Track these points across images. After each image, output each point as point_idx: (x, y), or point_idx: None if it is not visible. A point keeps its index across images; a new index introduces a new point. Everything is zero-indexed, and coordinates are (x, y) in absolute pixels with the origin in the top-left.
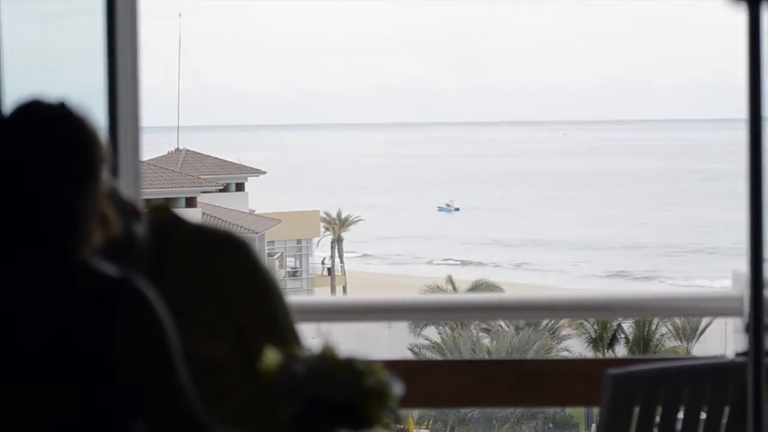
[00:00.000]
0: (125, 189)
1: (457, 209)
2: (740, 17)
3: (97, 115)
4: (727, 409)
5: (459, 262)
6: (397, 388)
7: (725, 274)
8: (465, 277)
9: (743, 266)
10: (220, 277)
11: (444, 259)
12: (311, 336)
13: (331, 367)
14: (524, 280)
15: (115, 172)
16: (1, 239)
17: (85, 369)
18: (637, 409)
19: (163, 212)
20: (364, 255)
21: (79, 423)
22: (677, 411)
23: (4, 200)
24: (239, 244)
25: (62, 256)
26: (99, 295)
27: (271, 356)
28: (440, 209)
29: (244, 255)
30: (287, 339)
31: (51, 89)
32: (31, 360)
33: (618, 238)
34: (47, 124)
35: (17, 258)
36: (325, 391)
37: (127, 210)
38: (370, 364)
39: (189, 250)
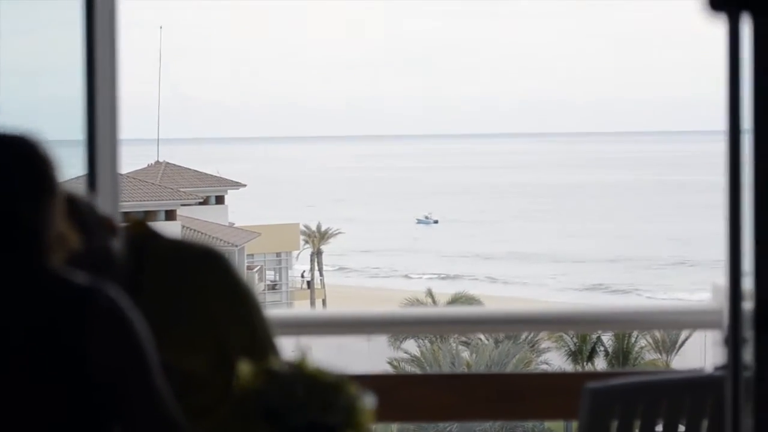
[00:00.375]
0: (103, 202)
1: (435, 222)
2: (719, 29)
3: (75, 127)
4: (705, 423)
5: (438, 275)
6: (369, 402)
7: (705, 287)
8: (445, 290)
9: (722, 279)
10: (198, 291)
11: (423, 273)
12: (290, 350)
13: (307, 389)
14: (503, 293)
15: (92, 185)
16: None
17: (57, 373)
18: (615, 423)
19: (139, 227)
20: (342, 268)
21: (55, 427)
22: (656, 425)
23: None
24: (217, 258)
25: (28, 267)
26: (69, 300)
27: (246, 371)
28: (419, 222)
29: (222, 269)
30: (266, 352)
31: (29, 100)
32: (4, 365)
33: (597, 251)
34: (3, 150)
35: None
36: (301, 415)
37: (103, 225)
38: (342, 379)
39: (166, 264)
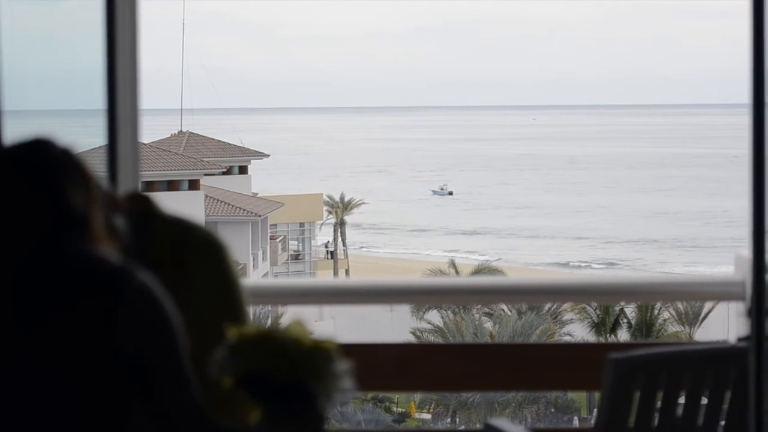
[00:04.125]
0: (123, 171)
1: (450, 193)
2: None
3: (96, 96)
4: (728, 394)
5: (456, 248)
6: (344, 369)
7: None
8: (467, 260)
9: (746, 251)
10: (191, 277)
11: (444, 243)
12: (314, 319)
13: (278, 353)
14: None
15: (113, 154)
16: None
17: (87, 351)
18: (638, 394)
19: (142, 202)
20: (364, 236)
21: (83, 406)
22: (678, 395)
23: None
24: (216, 247)
25: (65, 247)
26: (101, 279)
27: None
28: (434, 193)
29: (219, 259)
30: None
31: (50, 69)
32: (38, 342)
33: (619, 226)
34: (50, 150)
35: (25, 251)
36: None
37: (107, 201)
38: (321, 344)
39: (167, 243)
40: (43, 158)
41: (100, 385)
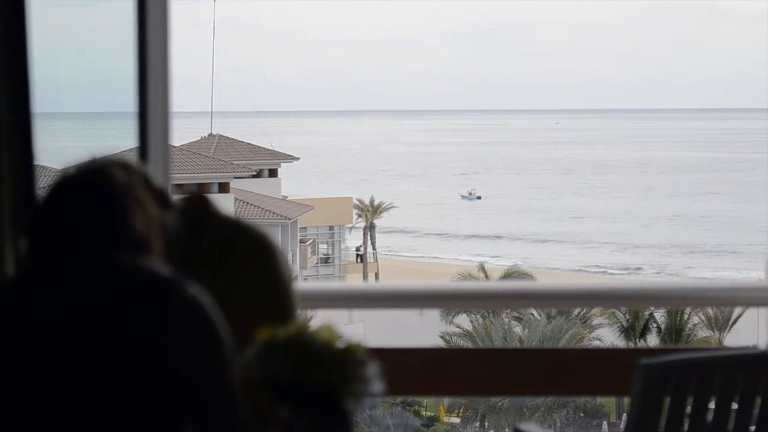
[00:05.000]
0: (154, 174)
1: (479, 198)
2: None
3: (127, 99)
4: (758, 400)
5: (484, 253)
6: (372, 372)
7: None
8: (495, 265)
9: None
10: (245, 278)
11: (471, 247)
12: (343, 323)
13: (305, 355)
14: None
15: (144, 157)
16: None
17: (135, 363)
18: (668, 399)
19: (200, 201)
20: (393, 239)
21: (130, 417)
22: (708, 401)
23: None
24: (271, 250)
25: (115, 259)
26: (151, 291)
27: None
28: (463, 198)
29: (273, 262)
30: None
31: (82, 72)
32: (84, 355)
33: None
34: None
35: (79, 262)
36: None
37: (158, 197)
38: (350, 347)
39: (221, 243)
40: (108, 185)
41: (148, 396)
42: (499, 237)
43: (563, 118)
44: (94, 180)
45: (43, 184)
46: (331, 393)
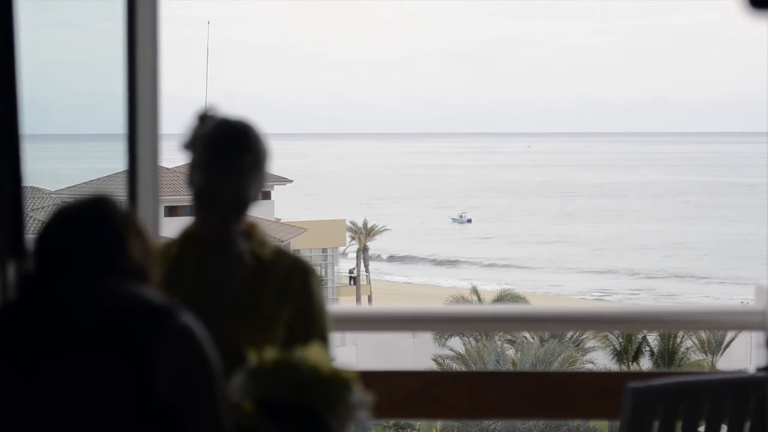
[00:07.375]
0: (144, 196)
1: (469, 221)
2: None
3: (116, 120)
4: (747, 424)
5: (477, 277)
6: (360, 399)
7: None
8: (488, 288)
9: (765, 281)
10: (286, 296)
11: (464, 272)
12: (336, 345)
13: (292, 380)
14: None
15: (133, 179)
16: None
17: (125, 388)
18: (657, 423)
19: (252, 229)
20: (385, 262)
21: None
22: (697, 425)
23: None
24: (310, 273)
25: (110, 285)
26: (142, 316)
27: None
28: (453, 221)
29: (308, 281)
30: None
31: (71, 94)
32: (75, 383)
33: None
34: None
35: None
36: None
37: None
38: (337, 373)
39: (266, 265)
40: (109, 213)
41: (136, 420)
42: (491, 261)
43: (556, 142)
44: (94, 209)
45: (32, 206)
46: (316, 414)
